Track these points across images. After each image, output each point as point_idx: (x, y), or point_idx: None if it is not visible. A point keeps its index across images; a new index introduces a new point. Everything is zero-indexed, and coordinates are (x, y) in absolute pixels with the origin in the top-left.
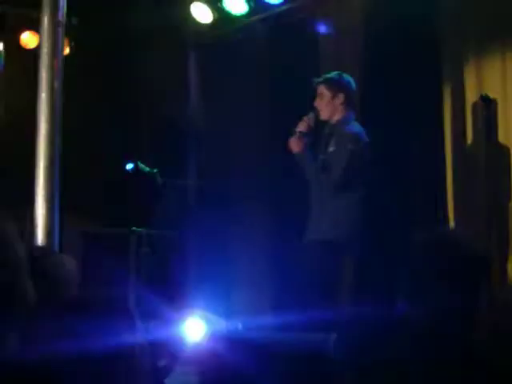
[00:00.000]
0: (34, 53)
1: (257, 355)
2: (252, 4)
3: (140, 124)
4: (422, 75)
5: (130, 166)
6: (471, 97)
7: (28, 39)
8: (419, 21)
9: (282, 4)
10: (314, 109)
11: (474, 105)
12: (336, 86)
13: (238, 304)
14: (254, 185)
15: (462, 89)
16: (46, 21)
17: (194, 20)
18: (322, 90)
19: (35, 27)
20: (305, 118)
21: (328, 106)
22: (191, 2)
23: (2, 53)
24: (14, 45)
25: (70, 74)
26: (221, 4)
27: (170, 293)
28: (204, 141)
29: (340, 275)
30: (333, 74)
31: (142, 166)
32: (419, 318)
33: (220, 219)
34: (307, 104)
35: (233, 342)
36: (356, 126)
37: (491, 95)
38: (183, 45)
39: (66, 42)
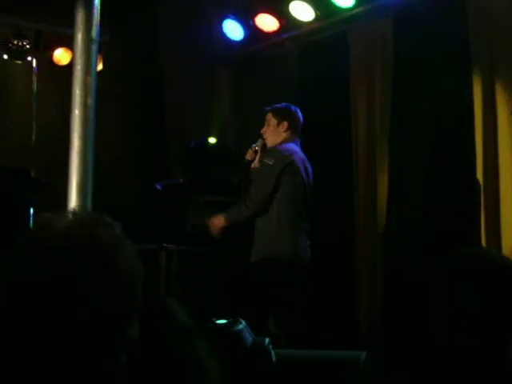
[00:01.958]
0: (67, 69)
1: (285, 371)
2: (283, 22)
3: (170, 139)
4: (452, 92)
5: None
6: (502, 112)
7: (61, 56)
8: (450, 38)
9: (312, 21)
10: (261, 136)
11: (505, 120)
12: (282, 114)
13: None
14: None
15: (493, 104)
16: (79, 38)
17: (225, 37)
18: (270, 117)
19: (68, 44)
20: (252, 147)
21: (273, 133)
22: (223, 19)
23: (35, 70)
24: (46, 61)
25: (101, 90)
26: (252, 21)
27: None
28: (235, 158)
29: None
30: (282, 104)
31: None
32: (451, 335)
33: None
34: (338, 122)
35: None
36: (286, 146)
37: None
38: (214, 62)
39: (99, 58)
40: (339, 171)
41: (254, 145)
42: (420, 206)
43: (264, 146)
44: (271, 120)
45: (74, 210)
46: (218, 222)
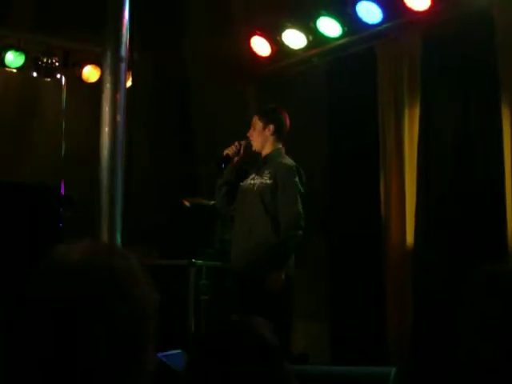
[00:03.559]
0: (96, 86)
1: None
2: (310, 38)
3: (198, 155)
4: (480, 107)
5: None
6: None
7: (89, 73)
8: (478, 54)
9: (340, 37)
10: (247, 138)
11: None
12: (268, 117)
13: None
14: (313, 217)
15: None
16: (108, 56)
17: (253, 53)
18: (255, 120)
19: (96, 61)
20: (236, 143)
21: (259, 137)
22: (251, 36)
23: (64, 88)
24: (75, 79)
25: (130, 107)
26: (280, 38)
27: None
28: None
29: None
30: (269, 106)
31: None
32: (479, 352)
33: None
34: (366, 137)
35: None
36: (290, 160)
37: None
38: (241, 78)
39: (128, 75)
40: (368, 186)
41: (240, 142)
42: (449, 219)
43: (249, 148)
44: (257, 123)
45: (88, 240)
46: (278, 279)
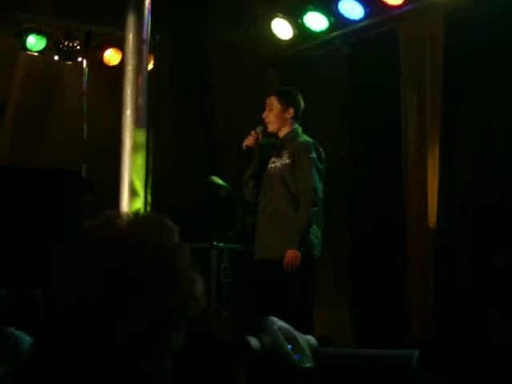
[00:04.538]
0: (117, 70)
1: (338, 369)
2: (332, 20)
3: (219, 138)
4: (504, 89)
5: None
6: None
7: (111, 56)
8: (501, 36)
9: (361, 19)
10: (263, 121)
11: None
12: (287, 99)
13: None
14: (335, 202)
15: None
16: (130, 39)
17: (274, 36)
18: (273, 101)
19: (118, 44)
20: (252, 132)
21: (277, 119)
22: (272, 19)
23: (86, 70)
24: (96, 62)
25: (151, 89)
26: (301, 20)
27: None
28: None
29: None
30: (284, 87)
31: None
32: (507, 335)
33: None
34: (388, 120)
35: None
36: (308, 138)
37: None
38: (263, 61)
39: (149, 58)
40: (389, 169)
41: (256, 129)
42: (471, 199)
43: (265, 131)
44: (275, 105)
45: (136, 210)
46: (294, 257)
